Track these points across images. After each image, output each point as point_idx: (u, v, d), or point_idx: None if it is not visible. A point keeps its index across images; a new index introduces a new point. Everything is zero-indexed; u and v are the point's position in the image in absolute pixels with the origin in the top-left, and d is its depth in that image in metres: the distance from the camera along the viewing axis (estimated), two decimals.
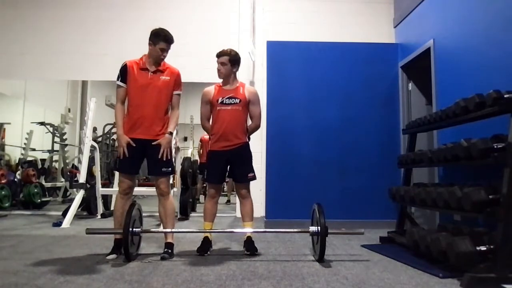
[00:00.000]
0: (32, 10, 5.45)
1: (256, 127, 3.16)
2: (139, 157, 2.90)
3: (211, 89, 3.08)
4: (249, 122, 3.19)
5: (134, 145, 2.78)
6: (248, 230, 3.02)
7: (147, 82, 2.83)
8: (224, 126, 2.98)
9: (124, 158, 2.79)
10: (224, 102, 3.01)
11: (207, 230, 3.04)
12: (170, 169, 2.92)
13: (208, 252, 2.92)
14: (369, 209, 4.51)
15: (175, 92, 2.94)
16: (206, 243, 2.96)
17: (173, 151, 2.95)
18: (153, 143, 2.82)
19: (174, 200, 4.90)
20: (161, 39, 2.83)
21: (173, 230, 2.94)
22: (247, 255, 2.87)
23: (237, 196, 3.12)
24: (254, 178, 3.07)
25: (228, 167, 3.07)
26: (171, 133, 2.89)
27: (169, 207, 2.93)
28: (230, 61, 3.01)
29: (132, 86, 2.83)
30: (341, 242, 3.44)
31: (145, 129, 2.82)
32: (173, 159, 2.97)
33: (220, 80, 3.11)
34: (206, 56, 5.04)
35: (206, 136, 7.78)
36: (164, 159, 2.84)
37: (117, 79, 2.87)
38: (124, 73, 2.84)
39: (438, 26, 3.89)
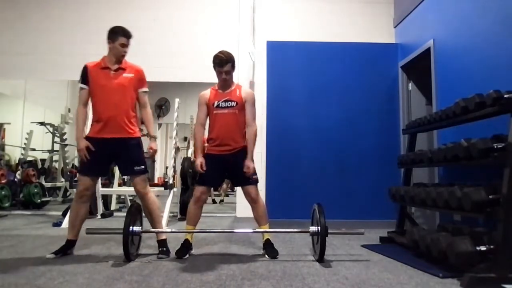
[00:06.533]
0: (32, 10, 5.44)
1: (255, 133, 2.94)
2: (107, 158, 2.88)
3: (206, 92, 2.98)
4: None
5: (93, 149, 2.76)
6: (246, 230, 2.99)
7: (109, 80, 2.80)
8: (222, 131, 2.89)
9: (86, 160, 2.79)
10: (220, 105, 2.90)
11: (207, 230, 3.03)
12: (143, 167, 2.88)
13: (188, 255, 2.82)
14: (369, 209, 4.51)
15: (141, 90, 2.91)
16: (186, 246, 2.85)
17: (144, 151, 2.95)
18: (148, 152, 2.83)
19: (174, 200, 4.89)
20: (120, 34, 2.82)
21: (173, 230, 2.94)
22: (266, 258, 2.80)
23: (247, 201, 2.98)
24: (257, 180, 2.95)
25: (226, 173, 2.98)
26: (155, 138, 2.93)
27: (152, 207, 2.88)
28: (232, 66, 2.91)
29: (95, 86, 2.81)
30: (341, 242, 3.44)
31: (113, 128, 2.78)
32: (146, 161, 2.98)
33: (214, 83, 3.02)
34: (206, 56, 5.00)
35: None
36: (136, 159, 2.83)
37: (79, 82, 2.85)
38: (85, 74, 2.82)
39: (438, 26, 3.89)
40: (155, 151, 2.94)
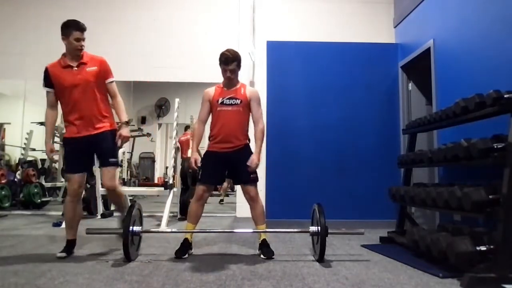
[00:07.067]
0: (32, 9, 5.44)
1: (263, 131, 2.98)
2: (87, 155, 2.85)
3: (211, 89, 3.00)
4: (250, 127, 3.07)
5: (56, 156, 2.78)
6: (246, 230, 2.99)
7: (74, 78, 2.73)
8: (225, 128, 2.89)
9: (68, 159, 2.82)
10: (224, 102, 2.91)
11: (207, 230, 3.03)
12: (116, 159, 2.89)
13: (187, 255, 2.82)
14: (369, 209, 4.51)
15: (107, 81, 2.86)
16: (185, 245, 2.86)
17: (119, 143, 2.92)
18: (119, 139, 2.83)
19: (174, 200, 4.89)
20: (72, 28, 2.72)
21: (173, 230, 2.94)
22: (262, 258, 2.78)
23: (246, 200, 2.99)
24: (256, 179, 2.95)
25: (227, 171, 2.96)
26: (127, 123, 2.89)
27: (119, 200, 2.96)
28: (238, 65, 2.94)
29: (60, 87, 2.75)
30: (341, 242, 3.44)
31: (88, 126, 2.76)
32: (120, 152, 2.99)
33: (220, 81, 3.03)
34: (206, 56, 5.05)
35: (183, 138, 7.76)
36: (111, 151, 2.84)
37: (43, 86, 2.81)
38: (47, 77, 2.76)
39: (438, 26, 3.89)
40: (126, 137, 2.89)
